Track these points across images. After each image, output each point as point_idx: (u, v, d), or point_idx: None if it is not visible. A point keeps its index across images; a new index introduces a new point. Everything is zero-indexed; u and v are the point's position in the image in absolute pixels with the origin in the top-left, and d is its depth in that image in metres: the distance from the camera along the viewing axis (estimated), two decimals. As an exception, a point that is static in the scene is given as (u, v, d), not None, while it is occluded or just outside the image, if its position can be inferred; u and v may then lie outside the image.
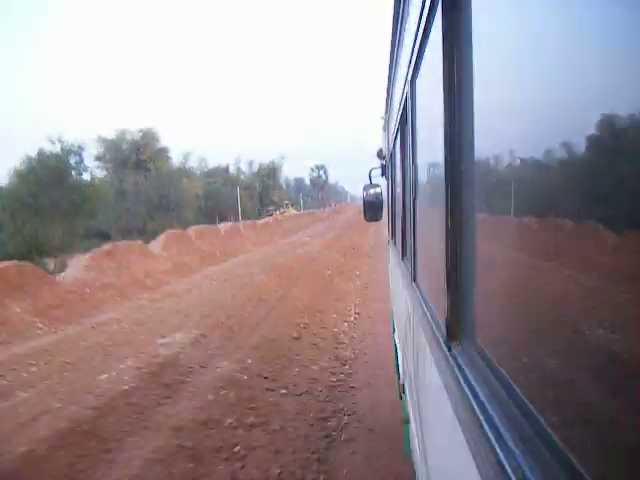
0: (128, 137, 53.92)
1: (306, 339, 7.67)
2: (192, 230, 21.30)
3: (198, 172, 73.57)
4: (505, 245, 0.85)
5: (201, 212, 63.94)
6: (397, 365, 3.85)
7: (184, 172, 56.45)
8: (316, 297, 10.77)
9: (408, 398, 2.52)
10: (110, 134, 51.90)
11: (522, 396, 0.66)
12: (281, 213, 69.78)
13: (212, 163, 75.19)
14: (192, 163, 71.41)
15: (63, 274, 12.15)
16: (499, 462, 0.62)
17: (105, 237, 28.83)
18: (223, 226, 26.26)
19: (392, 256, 4.56)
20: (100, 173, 53.62)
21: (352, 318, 9.10)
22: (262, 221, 38.23)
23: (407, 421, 2.66)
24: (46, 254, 22.28)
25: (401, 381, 3.25)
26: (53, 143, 25.91)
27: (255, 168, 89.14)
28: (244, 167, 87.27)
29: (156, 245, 16.93)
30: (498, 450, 0.64)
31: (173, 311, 9.68)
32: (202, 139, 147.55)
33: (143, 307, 10.38)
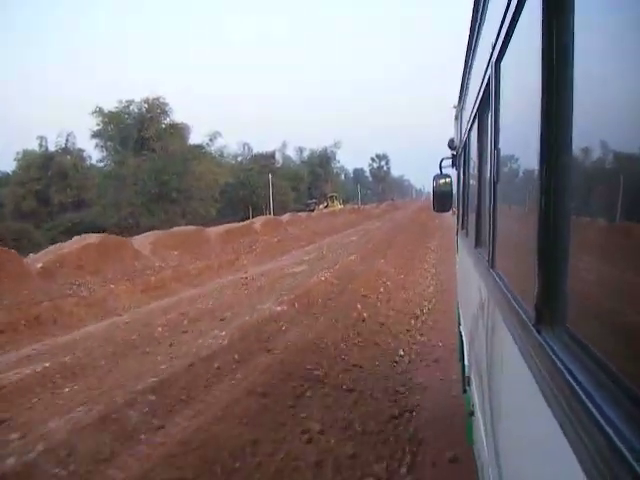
0: (134, 110, 43.68)
1: None
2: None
3: (240, 158, 62.92)
4: (598, 231, 0.82)
5: (231, 204, 53.20)
6: (462, 358, 3.78)
7: (197, 154, 44.50)
8: None
9: (475, 390, 2.47)
10: (112, 106, 41.89)
11: (629, 382, 0.60)
12: (325, 207, 57.59)
13: (260, 149, 64.64)
14: (233, 148, 60.50)
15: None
16: (613, 450, 0.54)
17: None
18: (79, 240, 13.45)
19: (462, 246, 4.44)
20: (99, 154, 44.10)
21: None
22: (259, 220, 26.21)
23: (472, 414, 2.59)
24: None
25: (466, 374, 3.19)
26: None
27: (305, 156, 77.08)
28: (292, 154, 75.25)
29: None
30: (612, 436, 0.56)
31: None
32: (254, 124, 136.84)
33: None
